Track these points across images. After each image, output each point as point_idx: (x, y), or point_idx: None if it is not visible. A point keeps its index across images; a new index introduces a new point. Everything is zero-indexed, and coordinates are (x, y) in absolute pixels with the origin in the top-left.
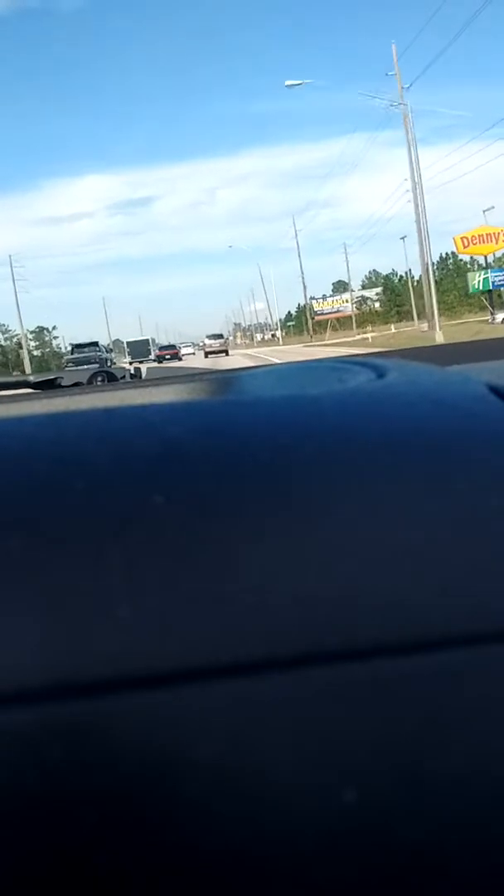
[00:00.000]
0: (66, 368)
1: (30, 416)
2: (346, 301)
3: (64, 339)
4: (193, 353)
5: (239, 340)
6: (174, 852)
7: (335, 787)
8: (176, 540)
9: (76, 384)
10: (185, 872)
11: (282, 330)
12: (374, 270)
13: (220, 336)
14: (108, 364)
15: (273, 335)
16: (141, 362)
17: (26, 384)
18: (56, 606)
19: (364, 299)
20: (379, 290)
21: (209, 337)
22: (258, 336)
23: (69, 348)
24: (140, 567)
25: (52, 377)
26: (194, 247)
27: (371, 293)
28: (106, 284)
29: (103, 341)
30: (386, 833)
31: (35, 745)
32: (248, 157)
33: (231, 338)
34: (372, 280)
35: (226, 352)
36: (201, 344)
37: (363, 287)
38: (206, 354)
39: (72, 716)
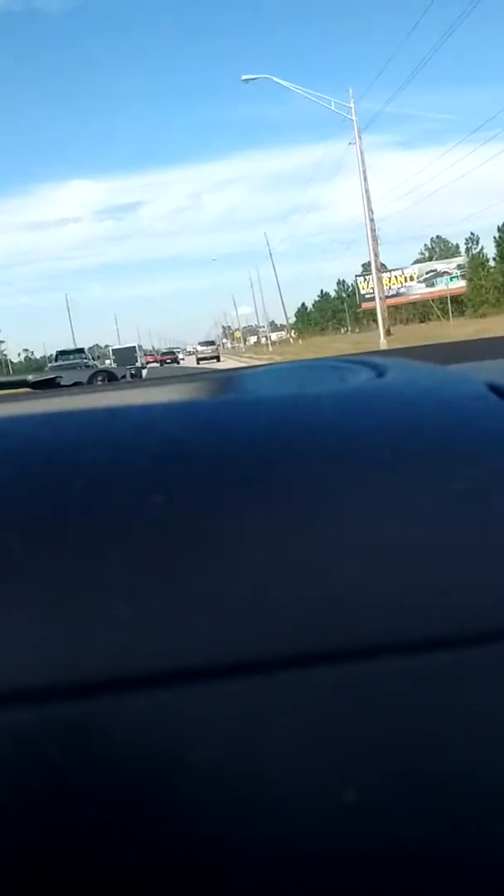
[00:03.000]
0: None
1: (29, 415)
2: (414, 277)
3: (16, 345)
4: (183, 359)
5: (230, 345)
6: (174, 852)
7: (335, 787)
8: (176, 539)
9: (76, 384)
10: (186, 872)
11: (291, 331)
12: (438, 237)
13: (212, 343)
14: None
15: (266, 337)
16: (127, 368)
17: (25, 384)
18: (56, 606)
19: (438, 274)
20: (461, 260)
21: (201, 343)
22: (251, 339)
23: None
24: (140, 567)
25: (51, 376)
26: (181, 252)
27: (448, 266)
28: (89, 290)
29: (66, 346)
30: (386, 833)
31: (35, 745)
32: (235, 161)
33: (227, 342)
34: (433, 250)
35: (217, 358)
36: (190, 350)
37: (423, 259)
38: (198, 361)
39: (72, 716)
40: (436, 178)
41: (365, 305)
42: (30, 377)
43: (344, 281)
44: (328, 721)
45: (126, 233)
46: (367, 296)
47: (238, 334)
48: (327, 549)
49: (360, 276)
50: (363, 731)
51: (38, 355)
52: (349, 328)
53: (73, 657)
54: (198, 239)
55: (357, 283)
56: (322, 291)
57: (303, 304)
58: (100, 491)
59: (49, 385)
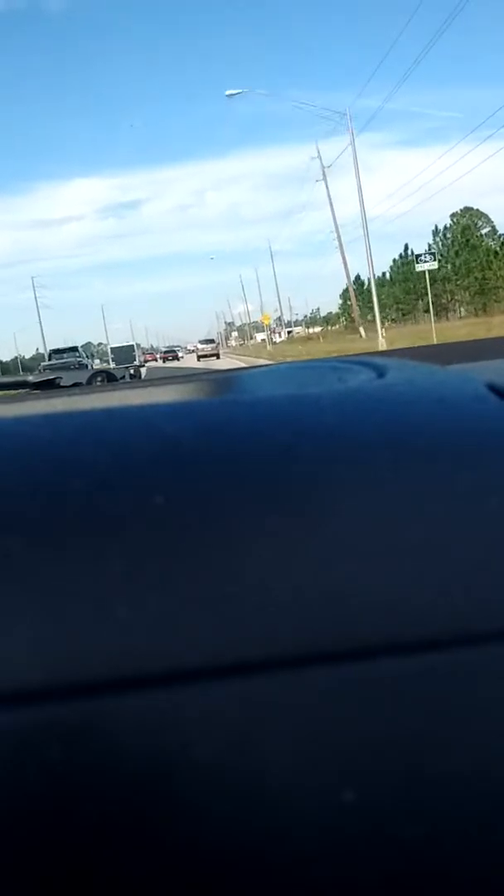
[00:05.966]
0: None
1: (29, 416)
2: None
3: None
4: (183, 356)
5: (234, 342)
6: (174, 852)
7: (335, 787)
8: (176, 540)
9: (76, 384)
10: (185, 872)
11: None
12: None
13: (212, 341)
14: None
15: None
16: (126, 368)
17: (25, 384)
18: (56, 606)
19: None
20: None
21: (201, 342)
22: (258, 336)
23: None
24: (140, 567)
25: (51, 377)
26: (183, 249)
27: None
28: (92, 288)
29: (36, 348)
30: (386, 833)
31: (35, 745)
32: (238, 159)
33: (234, 336)
34: None
35: (217, 355)
36: (191, 348)
37: None
38: (199, 358)
39: (72, 716)
40: (441, 175)
41: None
42: (30, 377)
43: (445, 228)
44: (328, 721)
45: (128, 231)
46: None
47: (266, 318)
48: (327, 550)
49: None
50: (363, 731)
51: (6, 357)
52: None
53: (73, 657)
54: (200, 236)
55: None
56: (408, 248)
57: (357, 278)
58: (100, 491)
59: (49, 386)
